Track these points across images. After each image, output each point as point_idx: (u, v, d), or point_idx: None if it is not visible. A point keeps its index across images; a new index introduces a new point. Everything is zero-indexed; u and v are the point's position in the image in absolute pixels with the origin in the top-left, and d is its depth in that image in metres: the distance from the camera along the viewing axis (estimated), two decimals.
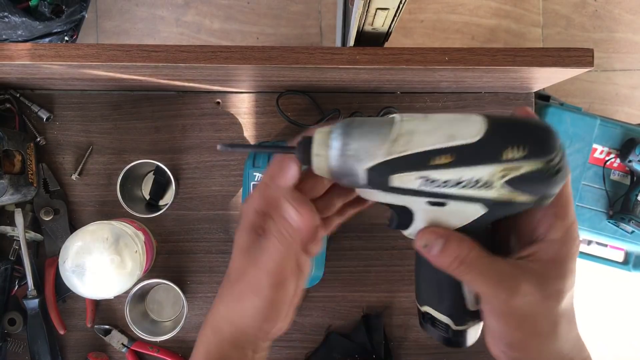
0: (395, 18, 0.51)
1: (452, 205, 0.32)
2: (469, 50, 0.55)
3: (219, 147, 0.34)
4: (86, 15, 1.28)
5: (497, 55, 0.55)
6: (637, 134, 1.07)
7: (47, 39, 1.21)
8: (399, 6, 0.48)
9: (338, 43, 1.02)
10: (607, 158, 1.08)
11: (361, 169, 0.32)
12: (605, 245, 1.13)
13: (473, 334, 0.37)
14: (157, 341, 0.67)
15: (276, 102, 0.68)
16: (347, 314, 0.70)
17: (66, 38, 1.25)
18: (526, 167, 0.30)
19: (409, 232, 0.35)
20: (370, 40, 0.57)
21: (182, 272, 0.69)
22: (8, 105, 0.67)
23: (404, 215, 0.35)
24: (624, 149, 1.06)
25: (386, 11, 0.49)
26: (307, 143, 0.33)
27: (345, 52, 0.55)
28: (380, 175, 0.32)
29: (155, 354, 0.68)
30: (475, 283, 0.32)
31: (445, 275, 0.34)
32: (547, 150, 0.30)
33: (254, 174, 0.61)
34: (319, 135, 0.33)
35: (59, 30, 1.21)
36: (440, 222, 0.33)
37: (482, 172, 0.30)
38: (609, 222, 1.09)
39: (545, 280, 0.31)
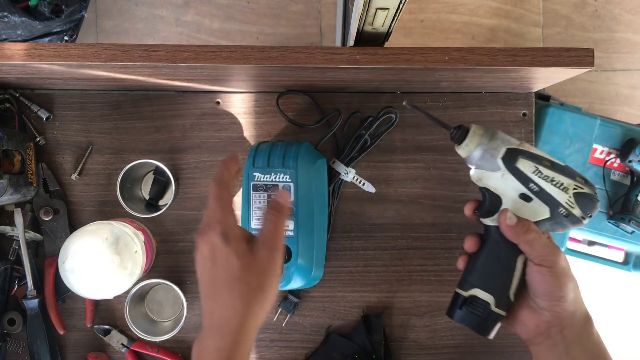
0: (395, 18, 0.51)
1: (534, 202, 0.48)
2: (469, 50, 0.55)
3: (404, 103, 0.50)
4: (86, 15, 1.28)
5: (497, 55, 0.55)
6: (637, 134, 1.07)
7: (46, 39, 1.21)
8: (399, 6, 0.48)
9: (338, 43, 1.02)
10: (607, 158, 1.08)
11: (503, 148, 0.48)
12: (606, 246, 1.13)
13: (497, 329, 0.50)
14: (156, 341, 0.67)
15: (276, 102, 0.68)
16: (347, 314, 0.70)
17: (66, 38, 1.25)
18: (586, 189, 0.48)
19: (491, 219, 0.50)
20: (370, 40, 0.57)
21: (182, 272, 0.69)
22: (7, 105, 0.67)
23: (494, 203, 0.49)
24: (624, 149, 1.06)
25: (386, 11, 0.49)
26: (465, 132, 0.49)
27: (345, 52, 0.54)
28: (513, 156, 0.48)
29: (154, 354, 0.68)
30: (539, 246, 0.47)
31: (504, 258, 0.49)
32: (593, 187, 0.49)
33: (254, 174, 0.61)
34: (474, 131, 0.49)
35: (58, 30, 1.21)
36: (518, 213, 0.48)
37: (565, 180, 0.47)
38: (609, 222, 1.09)
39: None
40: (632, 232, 1.07)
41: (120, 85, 0.68)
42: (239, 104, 0.70)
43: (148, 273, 0.68)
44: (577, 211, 0.47)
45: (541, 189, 0.47)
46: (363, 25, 0.53)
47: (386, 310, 0.70)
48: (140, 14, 1.40)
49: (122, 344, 0.68)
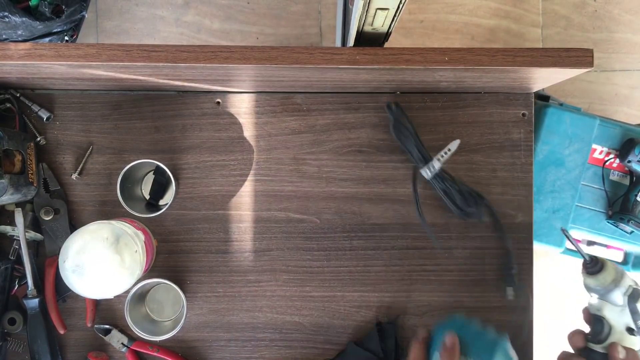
0: (395, 18, 0.51)
1: (637, 336, 0.54)
2: (468, 50, 0.55)
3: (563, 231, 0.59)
4: (86, 15, 1.28)
5: (497, 56, 0.55)
6: (637, 134, 1.07)
7: (47, 39, 1.21)
8: (399, 6, 0.48)
9: (338, 43, 1.02)
10: (606, 158, 1.08)
11: (627, 291, 0.54)
12: (605, 246, 1.13)
13: None
14: (157, 341, 0.67)
15: (389, 108, 0.69)
16: (346, 313, 0.70)
17: (66, 38, 1.25)
18: None
19: (600, 346, 0.55)
20: (370, 40, 0.57)
21: (182, 272, 0.69)
22: (8, 105, 0.67)
23: (605, 332, 0.55)
24: (623, 149, 1.06)
25: (386, 11, 0.49)
26: (601, 266, 0.55)
27: (345, 52, 0.55)
28: (635, 296, 0.54)
29: (155, 354, 0.68)
30: None
31: None
32: None
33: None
34: (609, 267, 0.55)
35: (59, 30, 1.21)
36: (621, 343, 0.53)
37: None
38: (608, 222, 1.09)
39: None
40: (631, 232, 1.07)
41: (121, 86, 0.68)
42: (239, 104, 0.70)
43: (148, 273, 0.68)
44: None
45: None
46: (363, 26, 0.53)
47: (386, 310, 0.70)
48: (140, 14, 1.40)
49: (122, 343, 0.68)
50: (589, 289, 0.56)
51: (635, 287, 0.54)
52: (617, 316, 0.55)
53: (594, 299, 0.56)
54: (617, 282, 0.54)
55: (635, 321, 0.54)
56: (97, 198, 0.69)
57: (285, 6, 1.41)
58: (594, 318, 0.56)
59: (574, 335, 0.57)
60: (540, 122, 1.07)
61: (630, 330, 0.54)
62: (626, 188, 1.07)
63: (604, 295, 0.55)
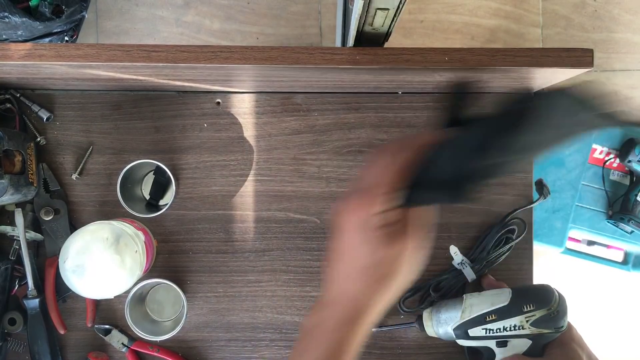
0: (395, 18, 0.51)
1: (512, 342, 0.57)
2: (468, 50, 0.55)
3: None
4: (86, 16, 1.28)
5: (497, 56, 0.55)
6: (637, 134, 1.07)
7: (47, 39, 1.21)
8: (398, 6, 0.48)
9: (338, 43, 1.02)
10: (606, 158, 1.08)
11: (450, 330, 0.60)
12: (605, 246, 1.13)
13: None
14: (157, 341, 0.67)
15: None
16: None
17: (66, 38, 1.25)
18: (538, 314, 0.55)
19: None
20: (370, 40, 0.57)
21: (182, 272, 0.69)
22: (8, 105, 0.67)
23: (489, 353, 0.59)
24: (623, 149, 1.06)
25: (386, 11, 0.49)
26: (420, 320, 0.64)
27: (345, 52, 0.55)
28: (461, 331, 0.59)
29: (155, 354, 0.68)
30: None
31: None
32: (547, 302, 0.56)
33: None
34: (425, 314, 0.63)
35: (59, 30, 1.21)
36: (511, 352, 0.57)
37: (514, 320, 0.55)
38: (608, 222, 1.09)
39: None
40: (632, 232, 1.07)
41: (121, 86, 0.68)
42: (239, 104, 0.70)
43: (148, 273, 0.68)
44: (546, 331, 0.55)
45: (505, 336, 0.56)
46: (363, 26, 0.53)
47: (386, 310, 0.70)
48: (140, 15, 1.40)
49: (122, 343, 0.68)
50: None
51: (454, 325, 0.60)
52: (475, 344, 0.60)
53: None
54: (436, 329, 0.62)
55: (489, 340, 0.58)
56: (97, 198, 0.69)
57: (285, 6, 1.41)
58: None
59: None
60: None
61: (500, 344, 0.58)
62: (626, 188, 1.08)
63: (449, 337, 0.61)
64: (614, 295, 1.43)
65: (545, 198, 0.68)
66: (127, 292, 0.63)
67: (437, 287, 0.67)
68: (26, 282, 0.65)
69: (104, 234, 0.59)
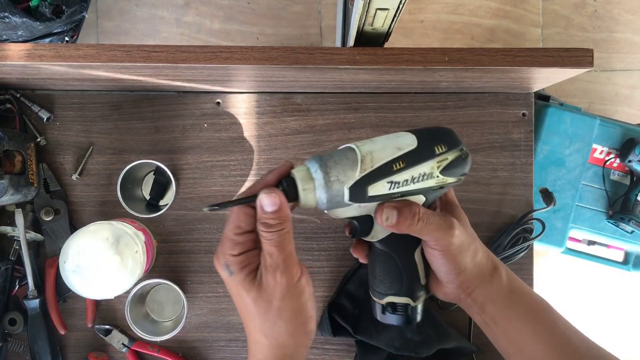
0: (395, 18, 0.51)
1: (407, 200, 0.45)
2: (468, 50, 0.55)
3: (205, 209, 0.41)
4: (86, 16, 1.29)
5: (497, 56, 0.55)
6: (637, 134, 1.07)
7: (47, 39, 1.21)
8: (399, 6, 0.48)
9: (338, 43, 1.02)
10: (606, 158, 1.08)
11: (345, 189, 0.41)
12: (605, 245, 1.13)
13: (421, 308, 0.49)
14: (157, 341, 0.67)
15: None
16: None
17: (66, 38, 1.25)
18: (450, 157, 0.44)
19: (371, 236, 0.47)
20: (370, 40, 0.57)
21: (182, 272, 0.69)
22: (8, 105, 0.67)
23: (365, 224, 0.46)
24: (623, 149, 1.06)
25: (386, 11, 0.49)
26: (291, 182, 0.41)
27: (345, 52, 0.55)
28: (360, 190, 0.42)
29: (155, 354, 0.68)
30: (429, 232, 0.45)
31: (402, 262, 0.47)
32: (458, 142, 0.45)
33: None
34: (299, 173, 0.41)
35: (59, 30, 1.22)
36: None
37: (425, 167, 0.43)
38: (608, 222, 1.09)
39: (463, 225, 0.48)
40: (632, 231, 1.07)
41: (121, 86, 0.68)
42: (239, 104, 0.70)
43: (149, 273, 0.68)
44: (451, 180, 0.45)
45: (407, 192, 0.44)
46: (363, 26, 0.53)
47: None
48: (140, 15, 1.40)
49: (122, 343, 0.68)
50: (317, 208, 0.44)
51: (349, 184, 0.41)
52: (364, 210, 0.45)
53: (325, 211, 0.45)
54: (321, 192, 0.41)
55: (389, 199, 0.44)
56: (97, 198, 0.69)
57: (286, 6, 1.41)
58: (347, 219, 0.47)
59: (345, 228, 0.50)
60: (541, 122, 1.07)
61: None
62: (626, 188, 1.07)
63: (329, 206, 0.43)
64: (614, 295, 1.43)
65: (555, 205, 0.67)
66: (128, 292, 0.63)
67: None
68: (26, 283, 0.65)
69: (104, 234, 0.59)
